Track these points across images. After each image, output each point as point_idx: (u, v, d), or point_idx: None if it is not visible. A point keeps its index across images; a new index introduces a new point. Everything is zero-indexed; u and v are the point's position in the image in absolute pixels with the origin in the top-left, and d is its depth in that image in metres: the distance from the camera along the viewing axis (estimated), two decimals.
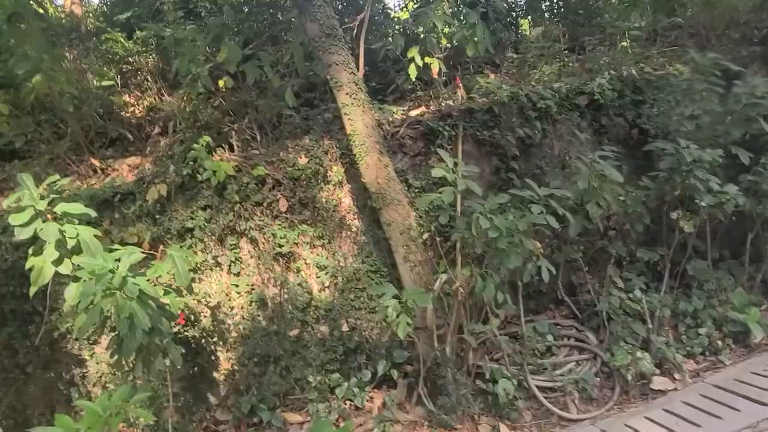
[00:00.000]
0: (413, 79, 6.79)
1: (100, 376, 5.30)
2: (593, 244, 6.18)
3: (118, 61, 8.03)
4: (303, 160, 5.72)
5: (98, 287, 3.33)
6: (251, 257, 5.65)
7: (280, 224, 5.59)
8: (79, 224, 3.73)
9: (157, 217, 5.36)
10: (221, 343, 5.52)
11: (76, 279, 3.69)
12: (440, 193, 4.75)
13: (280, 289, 5.63)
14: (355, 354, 5.63)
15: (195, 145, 5.47)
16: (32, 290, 3.57)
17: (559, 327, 5.85)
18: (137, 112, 7.97)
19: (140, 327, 3.53)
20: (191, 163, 5.52)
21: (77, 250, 3.64)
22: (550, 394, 5.07)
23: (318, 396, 5.23)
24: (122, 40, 8.11)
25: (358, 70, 5.61)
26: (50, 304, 5.15)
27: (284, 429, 5.14)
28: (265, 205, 5.58)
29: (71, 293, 3.64)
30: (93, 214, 3.67)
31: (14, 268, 5.03)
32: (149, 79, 8.15)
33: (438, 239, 5.40)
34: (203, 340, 5.45)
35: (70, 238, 3.50)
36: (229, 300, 5.55)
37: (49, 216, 3.55)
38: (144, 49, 8.21)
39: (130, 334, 3.59)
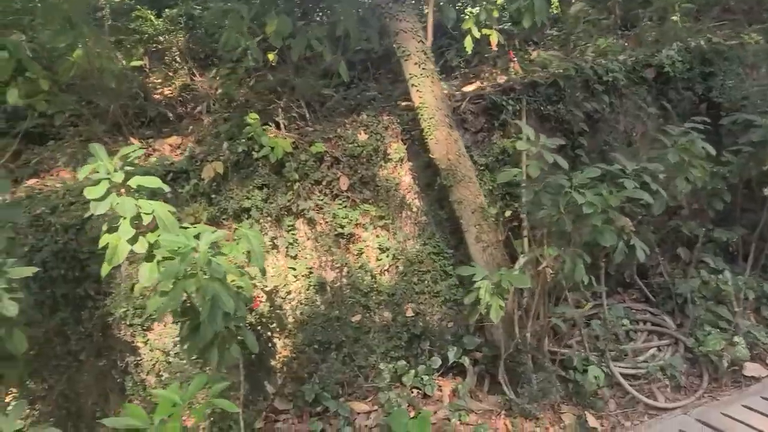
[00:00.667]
0: (469, 53, 6.45)
1: (154, 364, 5.04)
2: (664, 223, 5.86)
3: (146, 41, 7.71)
4: (363, 137, 5.40)
5: (181, 266, 3.04)
6: (308, 239, 5.36)
7: (340, 204, 5.29)
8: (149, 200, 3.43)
9: (213, 196, 5.08)
10: (278, 329, 5.24)
11: (149, 258, 3.41)
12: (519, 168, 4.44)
13: (339, 273, 5.34)
14: (419, 340, 5.35)
15: (250, 121, 5.17)
16: (104, 270, 3.29)
17: (633, 311, 5.55)
18: (167, 92, 7.71)
19: (224, 310, 3.24)
20: (246, 140, 5.23)
21: (151, 227, 3.35)
22: (634, 382, 4.78)
23: (386, 384, 4.96)
24: (152, 18, 7.78)
25: (426, 38, 5.26)
26: (104, 287, 4.94)
27: (351, 418, 4.87)
28: (324, 183, 5.27)
29: (145, 273, 3.35)
30: (166, 188, 3.38)
31: (65, 250, 4.77)
32: (178, 59, 7.86)
33: (506, 218, 5.10)
34: (260, 326, 5.18)
35: (145, 214, 3.21)
36: (286, 284, 5.27)
37: (122, 190, 3.25)
38: (173, 27, 7.88)
39: (210, 318, 3.31)
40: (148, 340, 5.00)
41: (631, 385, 4.70)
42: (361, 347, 5.28)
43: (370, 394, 5.18)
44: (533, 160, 4.29)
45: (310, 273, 5.30)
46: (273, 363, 5.28)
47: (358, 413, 4.95)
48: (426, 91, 4.82)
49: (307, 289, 5.30)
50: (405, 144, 5.48)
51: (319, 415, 4.98)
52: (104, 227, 3.26)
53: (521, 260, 4.36)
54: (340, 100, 6.45)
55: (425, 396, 5.04)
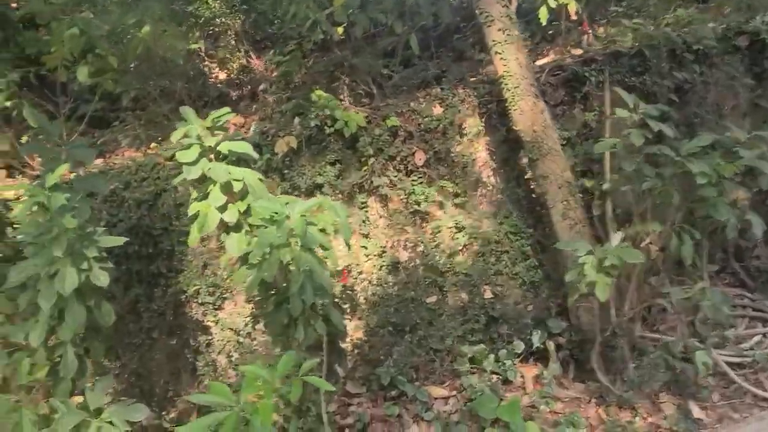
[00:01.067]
0: (544, 23, 6.09)
1: (225, 344, 4.94)
2: (762, 203, 5.42)
3: (203, 24, 7.67)
4: (437, 110, 5.15)
5: (278, 234, 2.86)
6: (380, 217, 5.16)
7: (415, 180, 5.06)
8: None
9: (285, 172, 4.93)
10: (350, 310, 5.06)
11: (236, 228, 3.25)
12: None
13: (413, 252, 5.12)
14: (497, 324, 5.09)
15: (315, 98, 4.99)
16: (193, 239, 3.15)
17: (730, 296, 5.15)
18: (222, 76, 7.69)
19: (318, 283, 3.07)
20: (315, 115, 5.05)
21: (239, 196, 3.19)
22: (739, 371, 4.41)
23: (465, 369, 4.72)
24: (209, 0, 7.72)
25: (509, 3, 4.96)
26: (176, 265, 4.85)
27: (429, 403, 4.66)
28: (398, 159, 5.05)
29: (234, 244, 3.19)
30: (255, 155, 3.21)
31: (138, 226, 4.71)
32: (233, 42, 7.83)
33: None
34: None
35: (235, 180, 3.04)
36: (358, 264, 5.09)
37: (211, 156, 3.10)
38: (229, 10, 7.82)
39: (301, 291, 3.13)
40: (218, 319, 4.90)
41: (736, 374, 4.33)
42: (437, 330, 5.05)
43: (447, 378, 4.96)
44: (634, 128, 3.95)
45: (383, 252, 5.09)
46: (343, 345, 5.10)
47: (436, 398, 4.73)
48: (510, 58, 4.53)
49: (380, 269, 5.11)
50: (482, 118, 5.21)
51: (393, 400, 4.78)
52: (193, 194, 3.12)
53: (616, 237, 4.03)
54: (406, 77, 6.24)
55: (506, 382, 4.79)
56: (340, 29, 5.74)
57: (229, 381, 4.88)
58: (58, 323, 3.11)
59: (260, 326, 4.84)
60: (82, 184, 3.30)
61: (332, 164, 4.99)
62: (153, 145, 5.64)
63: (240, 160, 3.30)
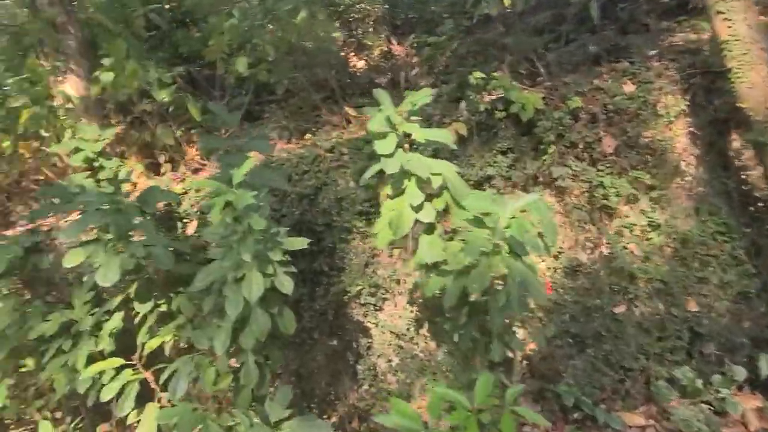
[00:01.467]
0: None
1: (384, 348, 4.61)
2: None
3: (342, 12, 7.48)
4: (629, 88, 4.40)
5: (493, 239, 2.39)
6: (556, 213, 4.53)
7: (602, 170, 4.36)
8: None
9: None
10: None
11: (429, 230, 2.82)
12: None
13: (597, 253, 4.44)
14: (701, 341, 4.27)
15: (495, 74, 4.45)
16: (383, 241, 2.77)
17: None
18: (360, 64, 7.44)
19: (527, 295, 2.57)
20: (479, 97, 4.54)
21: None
22: None
23: (667, 394, 4.00)
24: None
25: None
26: (337, 263, 4.61)
27: None
28: (581, 146, 4.38)
29: (425, 248, 2.77)
30: (454, 145, 2.76)
31: (302, 221, 4.51)
32: (371, 29, 7.57)
33: None
34: None
35: (434, 175, 2.61)
36: None
37: (405, 145, 2.70)
38: None
39: (507, 305, 2.64)
40: (378, 321, 4.59)
41: None
42: (626, 345, 4.33)
43: (639, 402, 4.24)
44: None
45: (560, 253, 4.47)
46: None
47: (631, 427, 4.05)
48: (738, 18, 3.67)
49: (555, 272, 4.50)
50: (685, 95, 4.37)
51: (576, 423, 4.16)
52: (386, 190, 2.73)
53: None
54: (569, 52, 5.53)
55: (718, 414, 3.97)
56: (507, 1, 5.16)
57: (389, 387, 4.57)
58: (241, 330, 2.90)
59: (423, 331, 4.47)
60: (261, 179, 3.07)
61: (504, 153, 4.45)
62: (307, 136, 5.47)
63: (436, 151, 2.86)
